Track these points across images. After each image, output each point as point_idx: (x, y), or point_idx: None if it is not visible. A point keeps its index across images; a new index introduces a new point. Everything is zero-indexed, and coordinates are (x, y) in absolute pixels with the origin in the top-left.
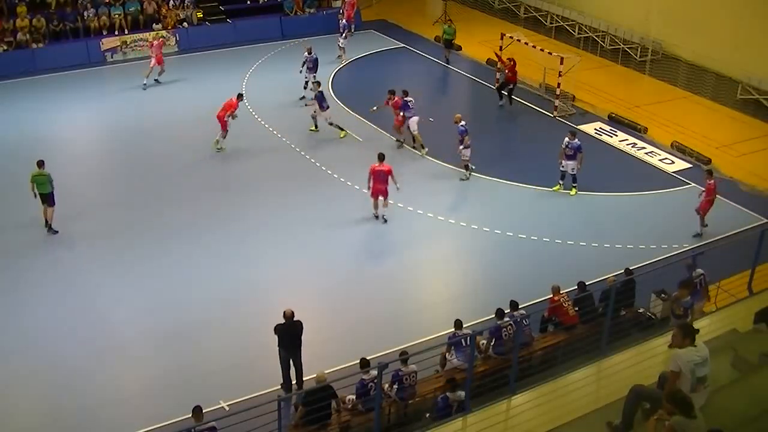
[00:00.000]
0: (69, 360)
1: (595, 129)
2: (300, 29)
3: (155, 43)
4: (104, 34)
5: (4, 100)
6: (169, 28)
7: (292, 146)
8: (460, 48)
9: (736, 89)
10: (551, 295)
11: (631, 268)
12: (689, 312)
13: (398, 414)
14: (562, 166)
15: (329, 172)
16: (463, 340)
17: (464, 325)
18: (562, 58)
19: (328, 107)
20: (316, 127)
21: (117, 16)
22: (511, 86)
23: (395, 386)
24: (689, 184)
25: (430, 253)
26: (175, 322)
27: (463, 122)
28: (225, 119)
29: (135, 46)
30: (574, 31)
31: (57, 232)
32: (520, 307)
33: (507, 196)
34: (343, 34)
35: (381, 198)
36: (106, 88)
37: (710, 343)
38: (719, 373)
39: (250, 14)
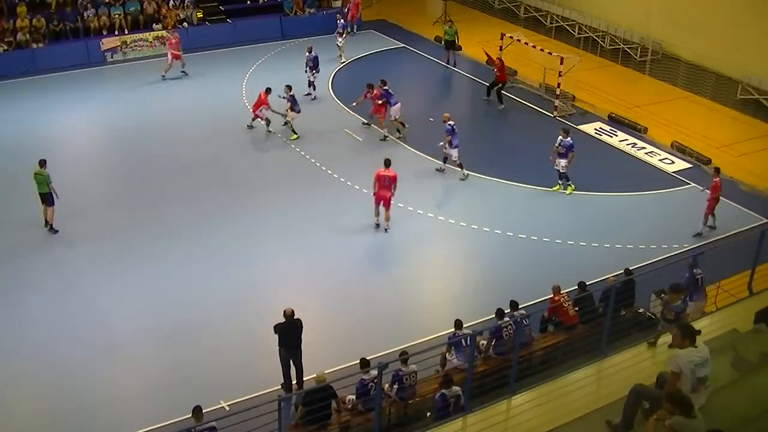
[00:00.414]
0: (69, 360)
1: (595, 129)
2: (300, 29)
3: (173, 40)
4: (104, 34)
5: (4, 100)
6: (169, 28)
7: (292, 146)
8: (460, 48)
9: (736, 89)
10: (551, 295)
11: (630, 268)
12: (680, 316)
13: (398, 414)
14: (555, 165)
15: (329, 172)
16: (463, 340)
17: (464, 325)
18: (562, 58)
19: (299, 111)
20: (290, 129)
21: (117, 16)
22: (500, 85)
23: (395, 386)
24: (689, 184)
25: (430, 253)
26: (175, 321)
27: (451, 122)
28: (257, 113)
29: (135, 46)
30: (574, 31)
31: (57, 231)
32: (520, 307)
33: (507, 196)
34: (343, 34)
35: (383, 208)
36: (106, 88)
37: (710, 343)
38: (719, 373)
39: (250, 14)
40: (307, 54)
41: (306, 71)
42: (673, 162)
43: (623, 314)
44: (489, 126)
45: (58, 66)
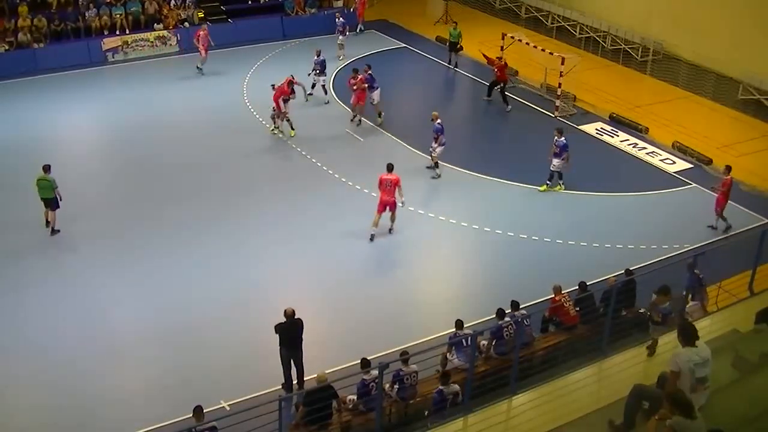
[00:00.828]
0: (69, 360)
1: (596, 129)
2: (301, 29)
3: (201, 33)
4: (105, 34)
5: (5, 100)
6: (170, 28)
7: (293, 146)
8: (461, 48)
9: (737, 89)
10: (552, 295)
11: (631, 268)
12: (668, 319)
13: (399, 414)
14: (553, 165)
15: (330, 171)
16: (464, 340)
17: (465, 325)
18: (563, 59)
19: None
20: (277, 127)
21: (118, 16)
22: (502, 85)
23: (396, 386)
24: (690, 184)
25: (431, 253)
26: (176, 322)
27: (439, 121)
28: (278, 102)
29: (136, 46)
30: (576, 32)
31: (59, 231)
32: (520, 307)
33: (507, 196)
34: (344, 32)
35: (389, 212)
36: (107, 88)
37: (711, 343)
38: (720, 373)
39: (251, 14)
40: (316, 57)
41: (310, 74)
42: (674, 162)
43: (624, 314)
44: (490, 126)
45: (60, 66)
